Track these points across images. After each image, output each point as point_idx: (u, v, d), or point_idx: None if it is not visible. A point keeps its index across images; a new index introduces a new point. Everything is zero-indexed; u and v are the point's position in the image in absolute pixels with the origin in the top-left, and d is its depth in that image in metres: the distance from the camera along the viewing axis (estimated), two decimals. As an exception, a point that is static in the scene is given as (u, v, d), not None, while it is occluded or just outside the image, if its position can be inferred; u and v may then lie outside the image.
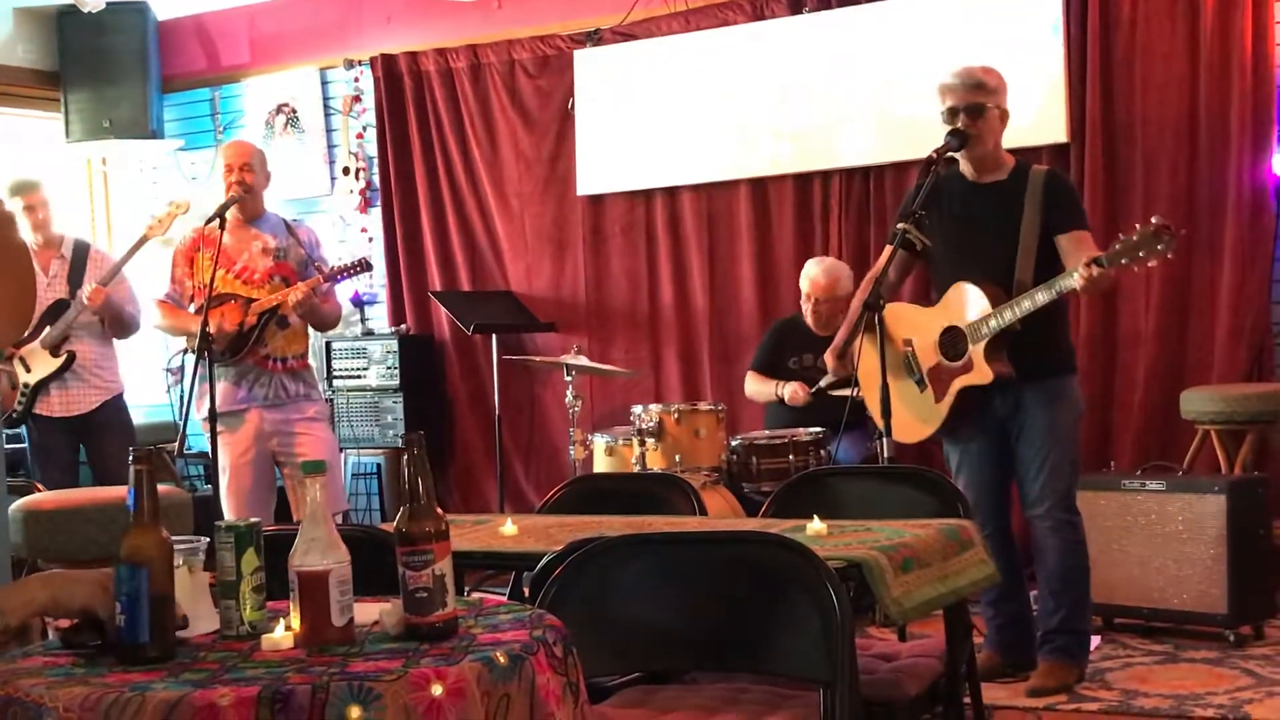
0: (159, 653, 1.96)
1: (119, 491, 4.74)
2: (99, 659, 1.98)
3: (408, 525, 2.03)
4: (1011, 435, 4.44)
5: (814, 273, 5.96)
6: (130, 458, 2.02)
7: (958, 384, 4.39)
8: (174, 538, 2.07)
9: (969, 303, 4.37)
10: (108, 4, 7.19)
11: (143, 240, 6.10)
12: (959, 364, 4.38)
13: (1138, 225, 3.98)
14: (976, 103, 4.35)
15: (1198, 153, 5.87)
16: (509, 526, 3.39)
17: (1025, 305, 4.21)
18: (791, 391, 5.91)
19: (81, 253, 6.32)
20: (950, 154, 4.40)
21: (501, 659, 1.85)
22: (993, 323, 4.27)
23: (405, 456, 2.07)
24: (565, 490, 3.97)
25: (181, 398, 5.07)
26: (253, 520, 2.14)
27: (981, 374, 4.32)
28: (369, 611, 2.11)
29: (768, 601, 2.44)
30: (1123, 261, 3.96)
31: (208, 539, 2.19)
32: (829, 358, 4.58)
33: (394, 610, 2.05)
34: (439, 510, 2.06)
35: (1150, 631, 5.10)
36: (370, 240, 7.77)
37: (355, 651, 1.95)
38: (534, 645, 1.93)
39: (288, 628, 2.03)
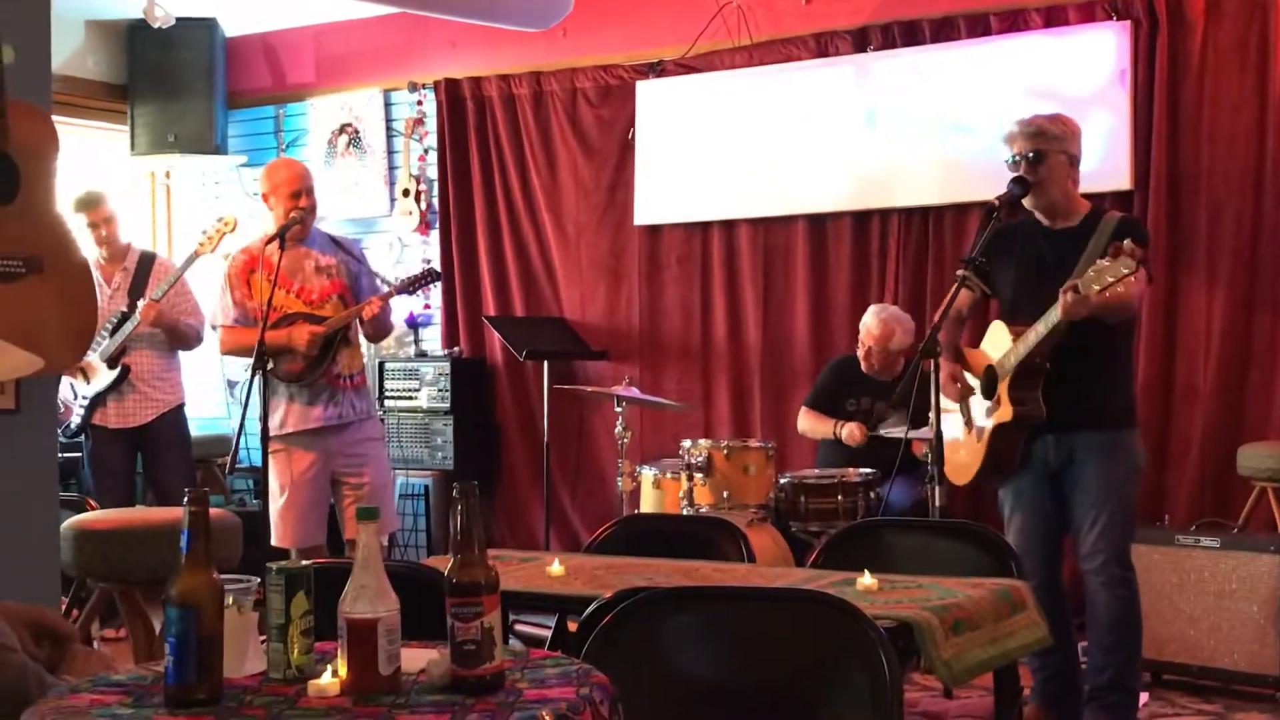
0: (207, 695, 1.97)
1: (171, 513, 4.79)
2: (146, 700, 1.99)
3: (458, 575, 2.03)
4: (1066, 487, 4.38)
5: (870, 322, 5.97)
6: (186, 499, 2.02)
7: (990, 422, 4.37)
8: (224, 576, 2.08)
9: (997, 341, 4.36)
10: (177, 20, 7.27)
11: (194, 256, 6.16)
12: (992, 403, 4.36)
13: (1110, 248, 3.93)
14: (1037, 150, 4.31)
15: (1263, 205, 5.80)
16: (556, 566, 3.39)
17: (1030, 339, 4.18)
18: (849, 432, 5.90)
19: (146, 264, 6.37)
20: (1013, 200, 4.37)
21: (548, 719, 1.84)
22: (1011, 359, 4.24)
23: (459, 505, 2.06)
24: (613, 530, 3.95)
25: (243, 413, 5.06)
26: (304, 563, 2.14)
27: (1004, 412, 4.29)
28: (416, 659, 2.10)
29: (817, 661, 2.42)
30: (1095, 287, 3.90)
31: (258, 579, 2.19)
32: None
33: (441, 661, 2.04)
34: (490, 561, 2.06)
35: (1199, 690, 5.02)
36: (428, 262, 7.80)
37: (401, 702, 1.95)
38: (580, 704, 1.91)
39: (334, 674, 2.03)
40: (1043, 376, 4.26)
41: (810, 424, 6.15)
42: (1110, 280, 3.85)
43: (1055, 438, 4.33)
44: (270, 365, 4.97)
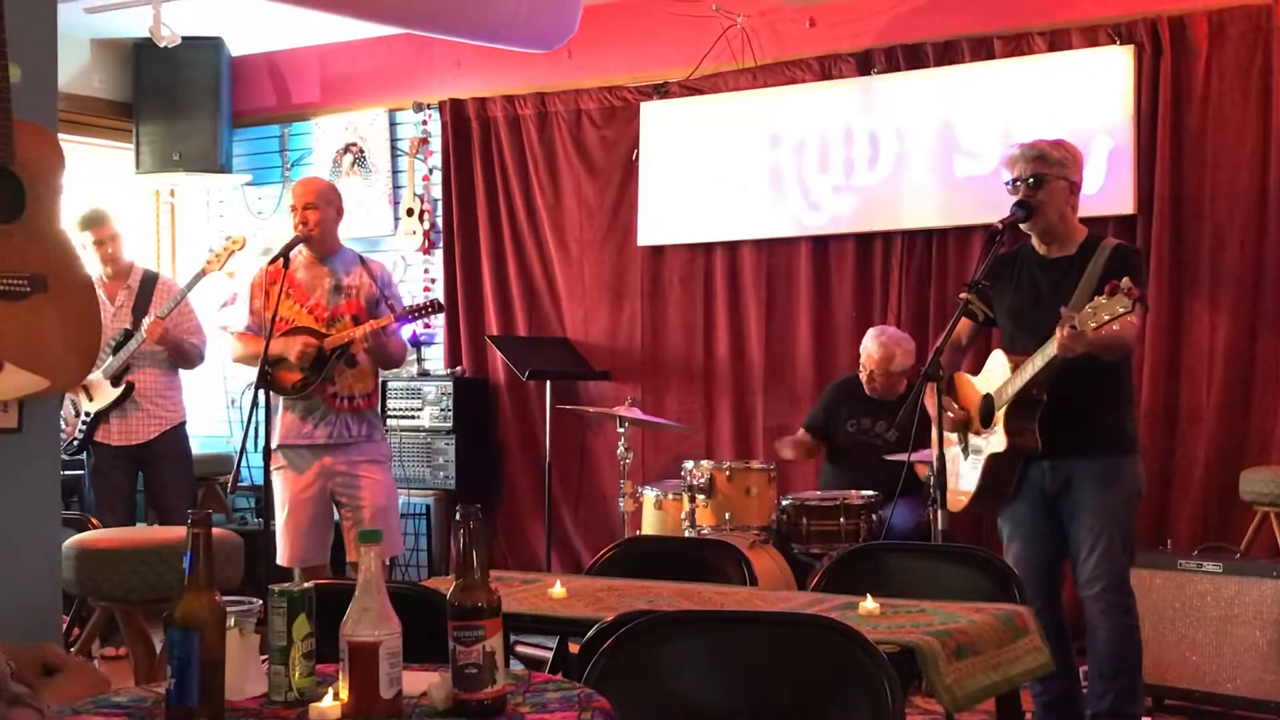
0: (208, 717, 1.96)
1: (173, 532, 4.79)
2: (148, 722, 1.99)
3: (460, 599, 2.03)
4: (1064, 513, 4.37)
5: (870, 346, 5.98)
6: (189, 519, 2.02)
7: (986, 451, 4.37)
8: (227, 598, 2.08)
9: (996, 371, 4.36)
10: (183, 39, 7.29)
11: (201, 274, 6.19)
12: (988, 432, 4.36)
13: (1106, 287, 3.93)
14: (1038, 174, 4.31)
15: (1266, 229, 5.81)
16: (558, 588, 3.38)
17: (1027, 372, 4.18)
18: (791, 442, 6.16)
19: (149, 283, 6.38)
20: (1016, 224, 4.37)
21: (549, 744, 1.84)
22: (1009, 390, 4.24)
23: (462, 529, 2.06)
24: (615, 551, 3.94)
25: (252, 429, 5.08)
26: (306, 585, 2.14)
27: (1000, 441, 4.29)
28: (417, 682, 2.10)
29: (819, 686, 2.41)
30: (1091, 324, 3.91)
31: (260, 601, 2.19)
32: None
33: (443, 684, 2.04)
34: (491, 584, 2.06)
35: (1201, 715, 5.01)
36: (433, 281, 7.82)
37: (402, 726, 1.95)
38: (582, 729, 1.91)
39: (336, 696, 2.03)
40: (1039, 408, 4.26)
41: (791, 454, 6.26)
42: (1106, 318, 3.85)
43: (1051, 464, 4.32)
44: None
